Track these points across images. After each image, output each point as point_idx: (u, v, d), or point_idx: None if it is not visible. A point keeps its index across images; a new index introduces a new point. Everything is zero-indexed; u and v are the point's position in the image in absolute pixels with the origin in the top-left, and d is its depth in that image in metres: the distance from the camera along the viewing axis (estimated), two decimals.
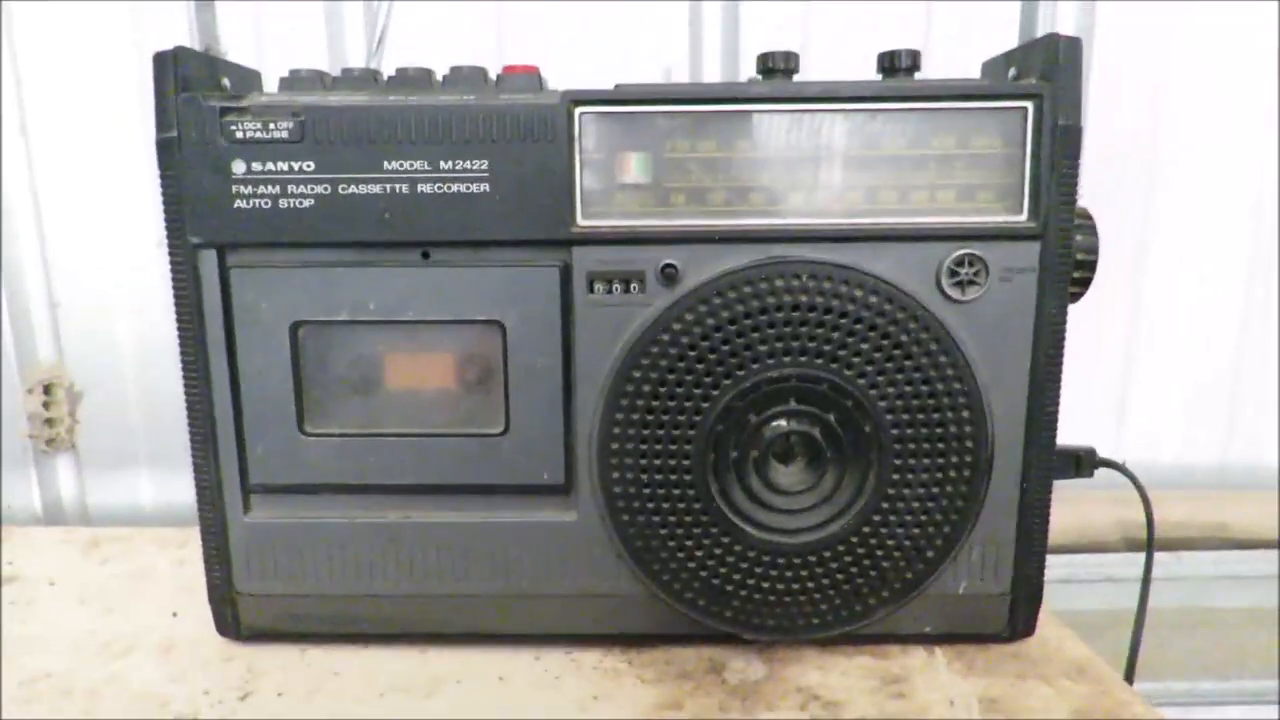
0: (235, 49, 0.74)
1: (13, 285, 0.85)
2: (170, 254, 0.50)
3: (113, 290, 0.85)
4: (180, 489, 0.85)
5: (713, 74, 0.82)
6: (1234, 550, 0.93)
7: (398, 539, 0.52)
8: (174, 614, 0.60)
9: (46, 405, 0.90)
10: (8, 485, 0.90)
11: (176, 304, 0.50)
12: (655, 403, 0.49)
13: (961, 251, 0.48)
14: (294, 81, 0.50)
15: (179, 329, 0.51)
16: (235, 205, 0.48)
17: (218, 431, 0.51)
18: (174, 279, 0.50)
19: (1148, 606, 0.96)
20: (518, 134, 0.47)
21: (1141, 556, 0.95)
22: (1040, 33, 0.81)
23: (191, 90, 0.48)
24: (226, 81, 0.52)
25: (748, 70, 0.62)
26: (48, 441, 0.91)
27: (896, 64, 0.50)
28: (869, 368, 0.49)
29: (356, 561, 0.53)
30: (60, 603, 0.62)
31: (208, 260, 0.49)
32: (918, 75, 0.51)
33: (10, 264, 0.84)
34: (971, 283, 0.49)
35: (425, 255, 0.49)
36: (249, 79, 0.55)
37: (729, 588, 0.51)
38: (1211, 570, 0.98)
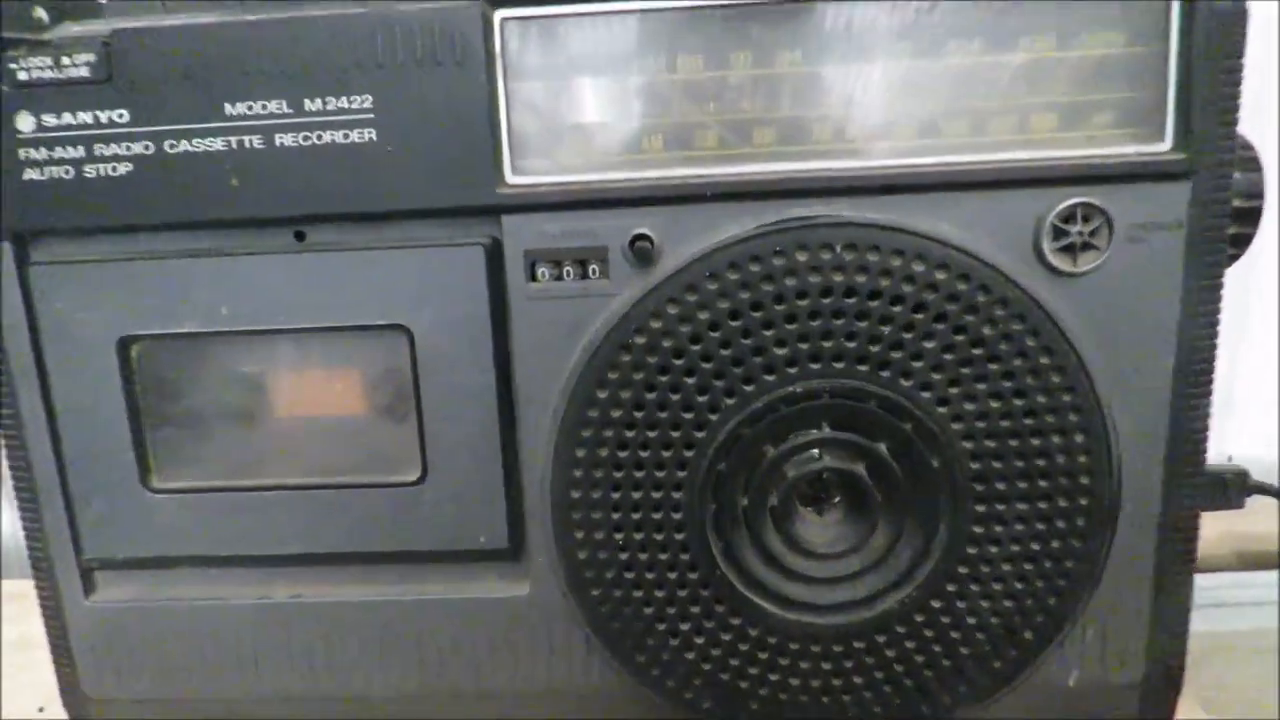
0: None
1: None
2: None
3: None
4: None
5: None
6: None
7: (288, 624, 0.39)
8: (40, 709, 0.47)
9: None
10: None
11: None
12: (630, 433, 0.35)
13: (1072, 201, 0.33)
14: (124, 5, 0.36)
15: None
16: (25, 176, 0.34)
17: (38, 490, 0.38)
18: None
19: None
20: (413, 55, 0.33)
21: (1257, 576, 0.80)
22: None
23: None
24: (41, 12, 0.38)
25: None
26: None
27: None
28: (936, 376, 0.33)
29: (236, 654, 0.39)
30: None
31: (1, 255, 0.35)
32: None
33: None
34: (1087, 246, 0.33)
35: (299, 236, 0.35)
36: (80, 8, 0.41)
37: (743, 685, 0.37)
38: None
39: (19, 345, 0.36)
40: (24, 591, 0.61)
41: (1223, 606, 0.84)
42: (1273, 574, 0.75)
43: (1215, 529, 0.75)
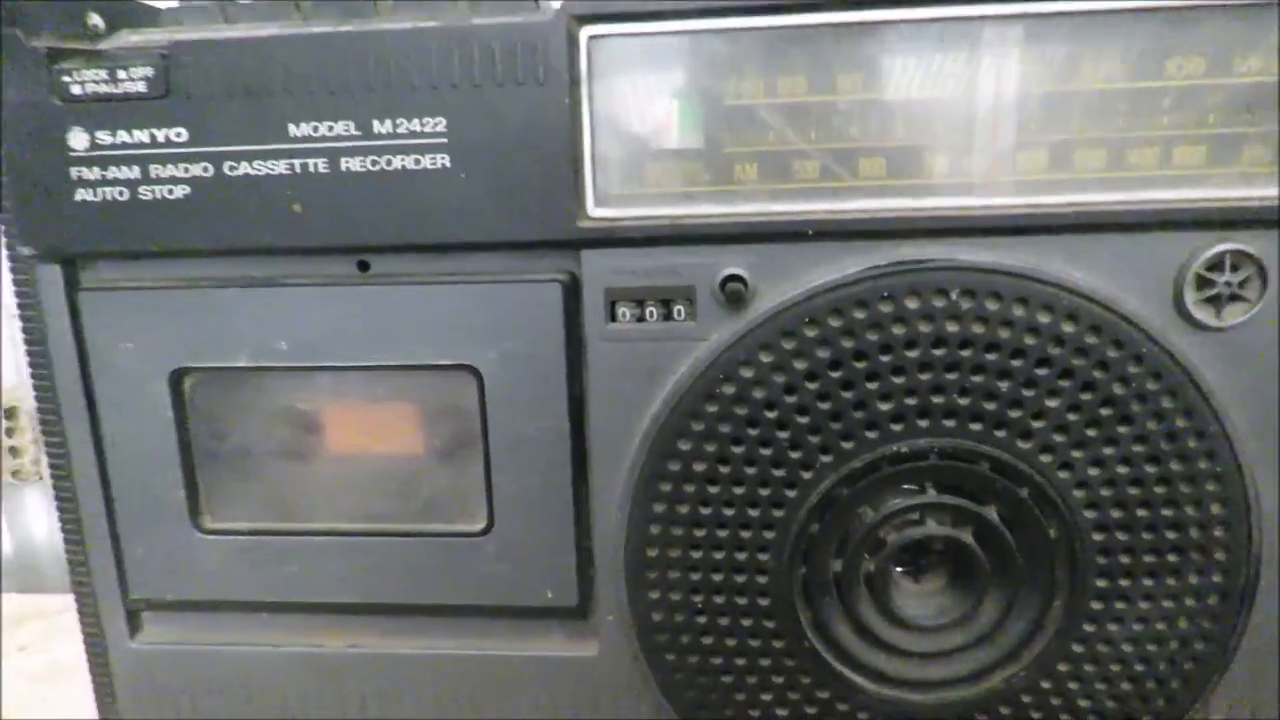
0: None
1: None
2: (11, 271, 0.34)
3: None
4: None
5: None
6: None
7: (340, 676, 0.36)
8: None
9: (9, 432, 0.78)
10: None
11: (24, 339, 0.35)
12: (714, 489, 0.32)
13: (1220, 248, 0.30)
14: (183, 13, 0.34)
15: (32, 378, 0.35)
16: (78, 197, 0.32)
17: (83, 527, 0.36)
18: (18, 305, 0.34)
19: None
20: (491, 75, 0.30)
21: None
22: None
23: (28, 32, 0.32)
24: (97, 20, 0.36)
25: None
26: (13, 473, 0.79)
27: None
28: (1058, 438, 0.30)
29: (284, 703, 0.37)
30: None
31: (50, 280, 0.33)
32: None
33: None
34: (1235, 298, 0.30)
35: (362, 267, 0.33)
36: (139, 15, 0.39)
37: None
38: None
39: (67, 375, 0.34)
40: (40, 609, 0.60)
41: None
42: None
43: None
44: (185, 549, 0.35)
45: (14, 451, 0.79)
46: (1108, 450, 0.30)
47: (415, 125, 0.31)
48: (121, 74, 0.31)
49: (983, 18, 0.29)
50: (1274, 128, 0.29)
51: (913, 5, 0.29)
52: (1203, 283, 0.30)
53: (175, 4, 0.36)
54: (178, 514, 0.35)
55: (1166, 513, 0.31)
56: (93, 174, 0.32)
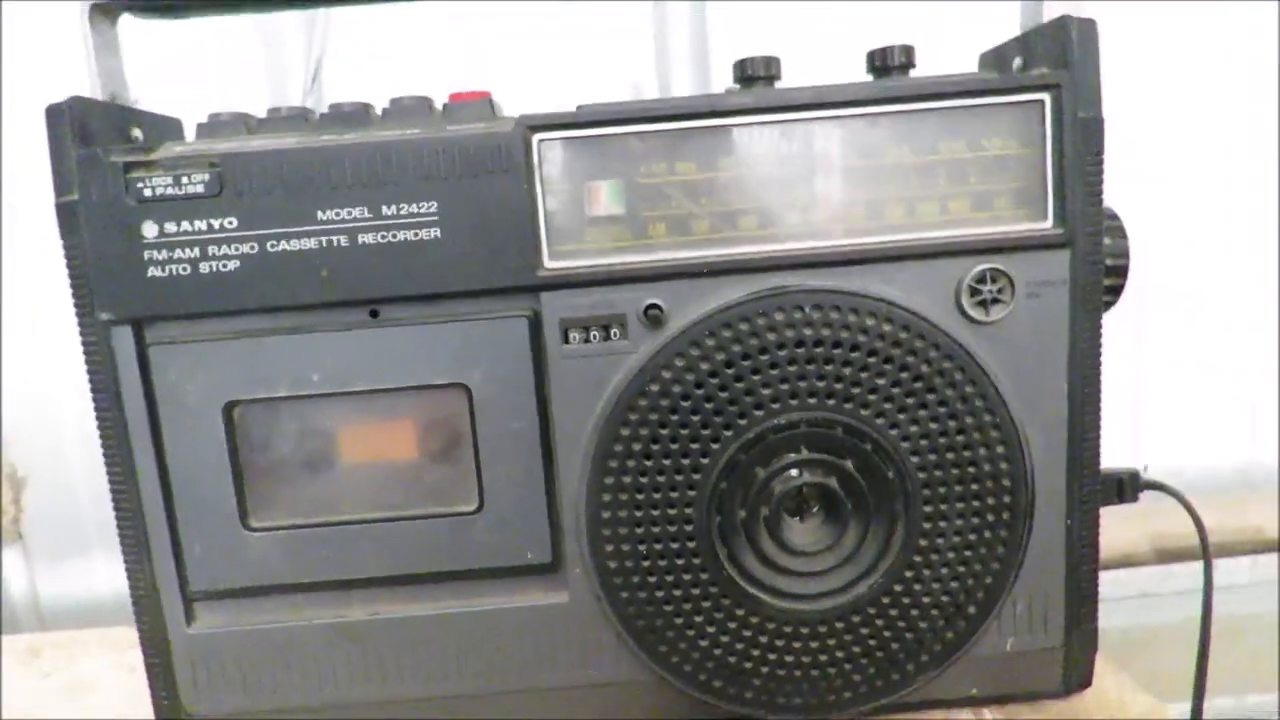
0: (158, 97, 0.68)
1: None
2: (81, 332, 0.43)
3: (54, 367, 0.78)
4: None
5: (683, 89, 0.77)
6: (1273, 554, 0.88)
7: (365, 640, 0.46)
8: None
9: None
10: None
11: (92, 388, 0.44)
12: (648, 462, 0.43)
13: (982, 267, 0.43)
14: (213, 127, 0.44)
15: (97, 417, 0.44)
16: (149, 274, 0.42)
17: (148, 533, 0.44)
18: (87, 360, 0.43)
19: (1178, 620, 0.89)
20: (469, 169, 0.41)
21: (1176, 568, 0.90)
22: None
23: (94, 145, 0.42)
24: (138, 132, 0.46)
25: (722, 83, 0.56)
26: None
27: (889, 62, 0.44)
28: (887, 405, 0.43)
29: (319, 668, 0.46)
30: None
31: (122, 337, 0.43)
32: (912, 73, 0.45)
33: None
34: (996, 301, 0.43)
35: (373, 314, 0.43)
36: (166, 127, 0.49)
37: (748, 665, 0.45)
38: (1246, 578, 0.93)
39: (135, 412, 0.43)
40: (36, 646, 0.65)
41: (1148, 597, 0.94)
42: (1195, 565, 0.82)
43: (1134, 529, 0.85)
44: (235, 546, 0.44)
45: None
46: (921, 413, 0.43)
47: (414, 208, 0.42)
48: (184, 179, 0.41)
49: (813, 119, 0.42)
50: (1012, 185, 0.43)
51: (765, 112, 0.42)
52: (973, 291, 0.43)
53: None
54: (229, 517, 0.44)
55: (966, 454, 0.43)
56: (161, 255, 0.42)
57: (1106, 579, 0.88)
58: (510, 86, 0.51)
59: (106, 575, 0.84)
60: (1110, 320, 0.45)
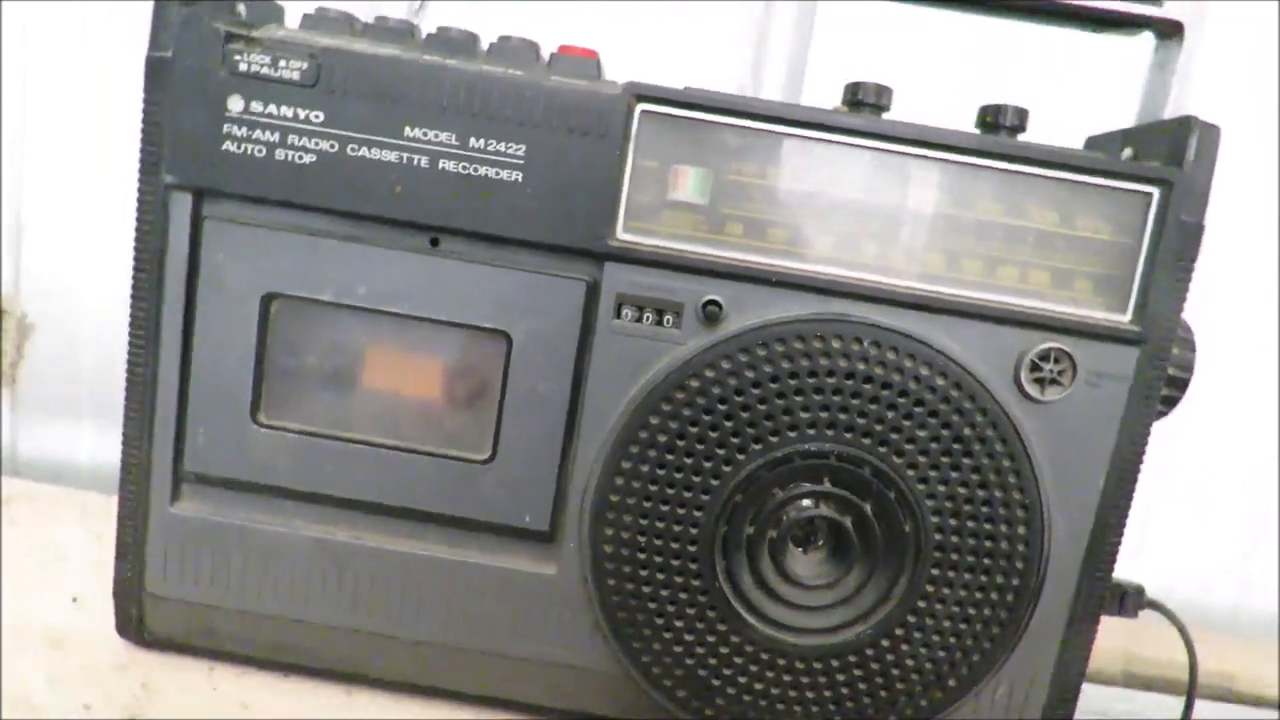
0: None
1: None
2: (139, 190, 0.43)
3: (85, 218, 0.77)
4: None
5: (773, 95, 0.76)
6: (1236, 705, 0.87)
7: (343, 562, 0.45)
8: (73, 599, 0.52)
9: None
10: None
11: (136, 248, 0.43)
12: (670, 457, 0.42)
13: (1049, 345, 0.42)
14: (319, 21, 0.44)
15: (133, 277, 0.43)
16: (224, 147, 0.41)
17: (157, 404, 0.44)
18: (138, 220, 0.43)
19: None
20: (565, 123, 0.41)
21: (1146, 696, 0.89)
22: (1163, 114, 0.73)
23: (198, 6, 0.41)
24: (242, 8, 0.45)
25: (813, 98, 0.55)
26: None
27: (1000, 120, 0.44)
28: (922, 458, 0.42)
29: (291, 579, 0.45)
30: None
31: (180, 204, 0.42)
32: (1021, 137, 0.44)
33: None
34: (1054, 382, 0.42)
35: (434, 242, 0.42)
36: (269, 12, 0.48)
37: (716, 682, 0.44)
38: None
39: (174, 283, 0.42)
40: (10, 495, 0.64)
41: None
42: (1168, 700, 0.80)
43: (1114, 644, 0.84)
44: (239, 438, 0.44)
45: None
46: (953, 473, 0.42)
47: (502, 147, 0.41)
48: (281, 63, 0.41)
49: (916, 156, 0.42)
50: (1098, 270, 0.42)
51: (872, 138, 0.41)
52: (1034, 367, 0.42)
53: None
54: (240, 408, 0.43)
55: (987, 525, 0.42)
56: (240, 132, 0.41)
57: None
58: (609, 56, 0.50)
59: (89, 445, 0.83)
60: None
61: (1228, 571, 0.88)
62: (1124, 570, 0.60)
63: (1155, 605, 0.52)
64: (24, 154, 0.76)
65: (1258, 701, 0.88)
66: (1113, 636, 0.83)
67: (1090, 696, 0.90)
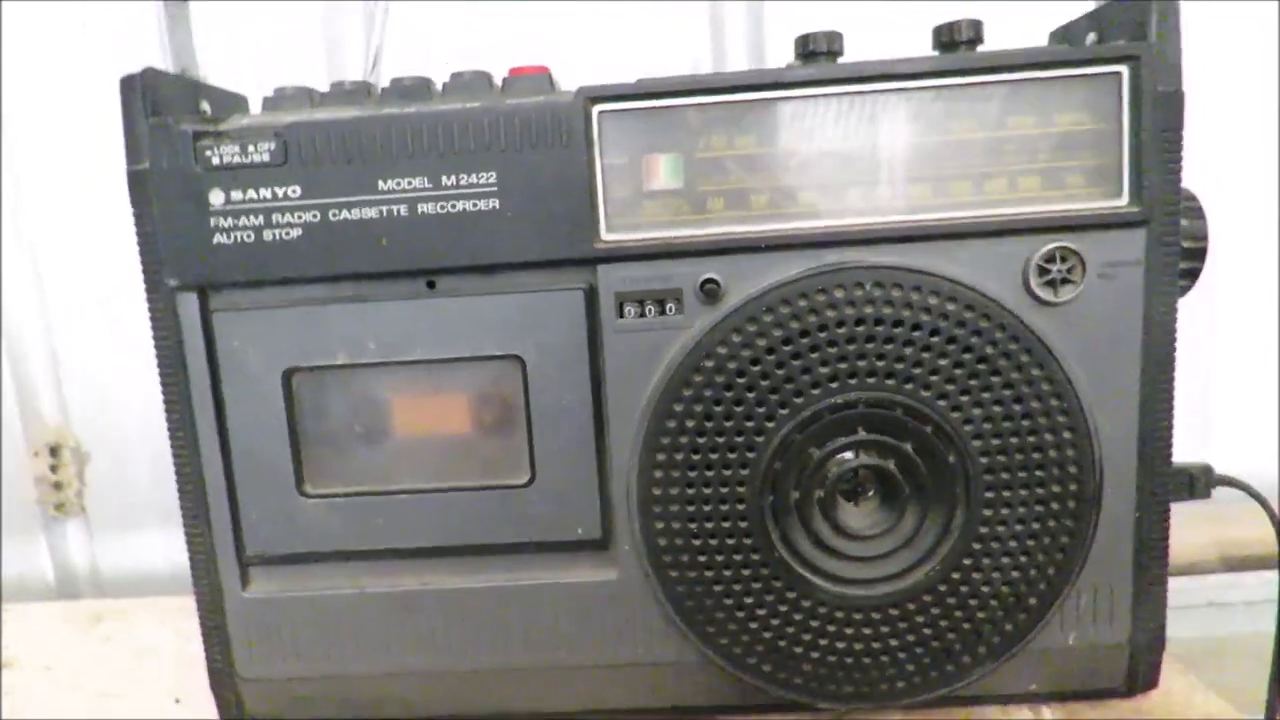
0: (223, 75, 0.70)
1: (14, 344, 0.81)
2: (148, 300, 0.44)
3: (116, 342, 0.80)
4: None
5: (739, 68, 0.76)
6: None
7: (415, 609, 0.46)
8: (176, 700, 0.54)
9: (53, 468, 0.86)
10: (18, 553, 0.85)
11: (157, 354, 0.45)
12: (701, 440, 0.42)
13: (1052, 245, 0.41)
14: (278, 101, 0.45)
15: (161, 382, 0.45)
16: (215, 241, 0.43)
17: (208, 498, 0.45)
18: (153, 327, 0.44)
19: (1248, 633, 0.85)
20: (529, 140, 0.41)
21: (1246, 577, 0.86)
22: None
23: (165, 116, 0.43)
24: (206, 106, 0.47)
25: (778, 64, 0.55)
26: (56, 506, 0.86)
27: (956, 37, 0.43)
28: (949, 387, 0.41)
29: (370, 636, 0.46)
30: (57, 689, 0.57)
31: (187, 304, 0.44)
32: (980, 49, 0.44)
33: (10, 321, 0.80)
34: (1066, 281, 0.42)
35: (430, 284, 0.43)
36: (232, 102, 0.50)
37: (798, 650, 0.44)
38: None
39: (199, 378, 0.44)
40: (98, 613, 0.67)
41: (1215, 607, 0.90)
42: (1267, 574, 0.78)
43: (1200, 535, 0.82)
44: (291, 512, 0.45)
45: (57, 487, 0.87)
46: (985, 395, 0.42)
47: (473, 178, 0.42)
48: (250, 148, 0.42)
49: (877, 93, 0.41)
50: (1085, 162, 0.42)
51: (828, 85, 0.41)
52: (1042, 271, 0.42)
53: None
54: (286, 483, 0.45)
55: (1031, 439, 0.42)
56: (227, 223, 0.43)
57: (1171, 587, 0.85)
58: (568, 68, 0.51)
59: (163, 549, 0.86)
60: (1181, 311, 0.43)
61: None
62: (1192, 453, 0.59)
63: (1229, 481, 0.51)
64: (44, 291, 0.79)
65: None
66: (1201, 527, 0.81)
67: (1190, 589, 0.88)
